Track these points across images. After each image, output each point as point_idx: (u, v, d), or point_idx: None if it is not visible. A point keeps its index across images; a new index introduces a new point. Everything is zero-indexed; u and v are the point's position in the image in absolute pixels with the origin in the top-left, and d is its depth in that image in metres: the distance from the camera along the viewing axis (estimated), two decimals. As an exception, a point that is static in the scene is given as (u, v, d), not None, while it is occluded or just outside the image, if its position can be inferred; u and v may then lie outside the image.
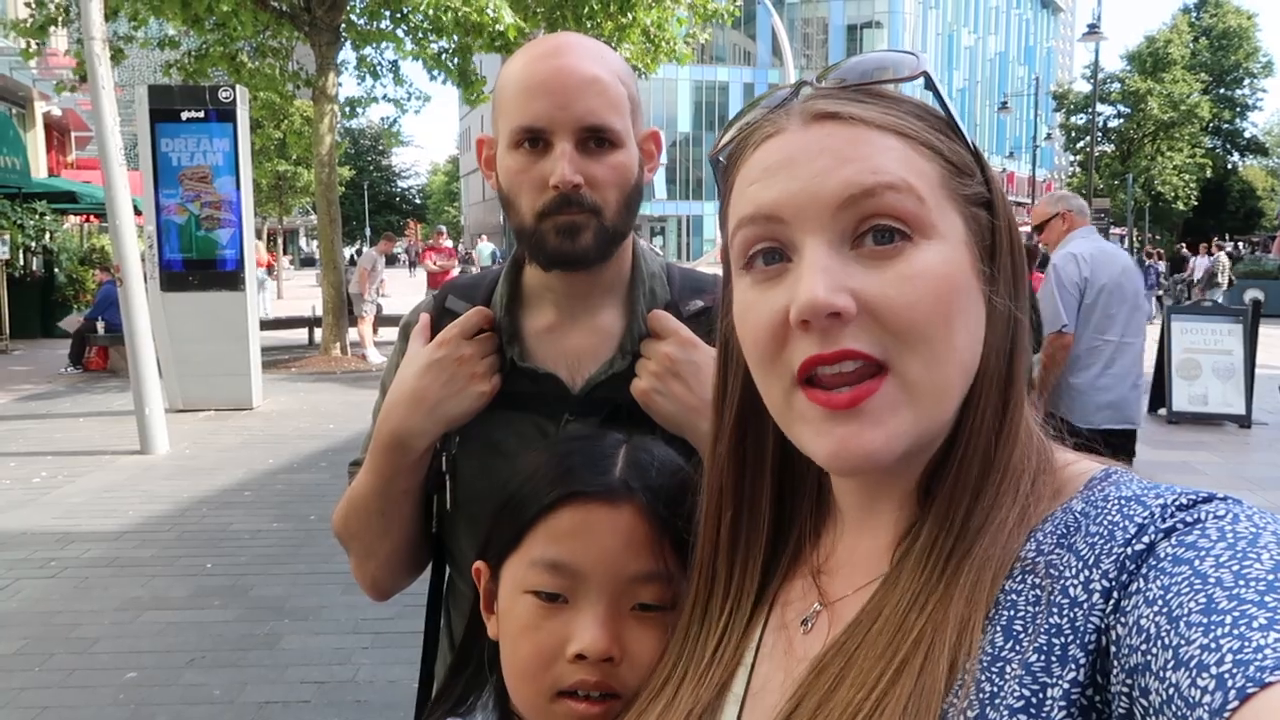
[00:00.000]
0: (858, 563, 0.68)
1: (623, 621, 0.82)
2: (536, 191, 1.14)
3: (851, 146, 0.61)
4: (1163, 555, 0.52)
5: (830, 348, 0.59)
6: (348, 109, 15.75)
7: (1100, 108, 43.32)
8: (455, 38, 13.01)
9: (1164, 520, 0.54)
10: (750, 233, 0.63)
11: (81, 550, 5.53)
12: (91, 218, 21.21)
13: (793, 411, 0.62)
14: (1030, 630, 0.55)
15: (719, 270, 0.78)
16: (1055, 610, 0.54)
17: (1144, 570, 0.52)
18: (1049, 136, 53.38)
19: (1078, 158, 53.36)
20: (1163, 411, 9.27)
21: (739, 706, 0.68)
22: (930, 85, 0.66)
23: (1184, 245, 34.67)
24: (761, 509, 0.73)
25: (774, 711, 0.62)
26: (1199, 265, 23.90)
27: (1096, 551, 0.55)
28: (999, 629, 0.56)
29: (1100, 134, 45.60)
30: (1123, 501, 0.57)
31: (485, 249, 27.13)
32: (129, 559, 5.42)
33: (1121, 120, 49.52)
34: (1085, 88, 47.65)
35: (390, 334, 12.91)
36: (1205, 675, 0.44)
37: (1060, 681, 0.52)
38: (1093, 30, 25.72)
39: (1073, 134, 50.26)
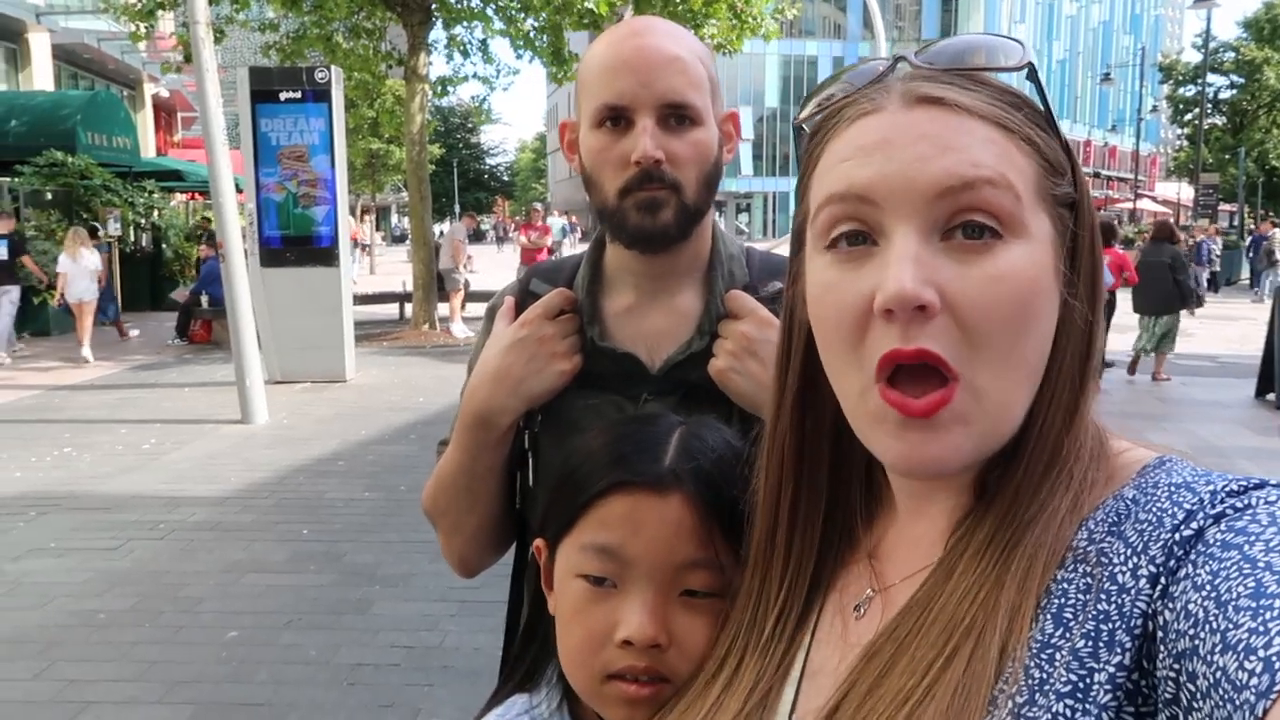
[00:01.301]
0: (910, 549, 0.68)
1: (670, 608, 0.83)
2: (619, 169, 1.16)
3: (953, 135, 0.59)
4: (1212, 541, 0.52)
5: (909, 344, 0.58)
6: (438, 88, 16.00)
7: (1211, 78, 41.23)
8: (544, 15, 13.09)
9: (1213, 506, 0.53)
10: (838, 210, 0.62)
11: (188, 514, 5.81)
12: (196, 195, 22.03)
13: (867, 408, 0.62)
14: (1080, 617, 0.55)
15: None
16: (1104, 597, 0.54)
17: (1192, 556, 0.52)
18: (1154, 109, 51.09)
19: (1185, 131, 51.00)
20: (1272, 396, 8.86)
21: (795, 688, 0.69)
22: (1033, 76, 0.64)
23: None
24: (820, 485, 0.73)
25: (827, 695, 0.63)
26: None
27: (1145, 538, 0.55)
28: (1049, 616, 0.56)
29: (1211, 105, 43.41)
30: (1173, 488, 0.57)
31: (556, 223, 27.18)
32: (231, 523, 5.67)
33: (1234, 91, 47.03)
34: (1195, 57, 45.42)
35: (476, 310, 13.12)
36: (1253, 658, 0.44)
37: (1107, 666, 0.52)
38: (1205, -4, 24.50)
39: (1180, 106, 47.97)
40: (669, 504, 0.84)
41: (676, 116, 1.15)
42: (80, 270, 12.16)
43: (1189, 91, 46.14)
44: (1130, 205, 44.28)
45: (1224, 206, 39.46)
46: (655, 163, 1.13)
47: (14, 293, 12.23)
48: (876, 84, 0.64)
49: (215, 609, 4.43)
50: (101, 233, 14.94)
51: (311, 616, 4.34)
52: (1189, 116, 46.11)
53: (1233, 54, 45.48)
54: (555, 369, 1.19)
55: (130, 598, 4.55)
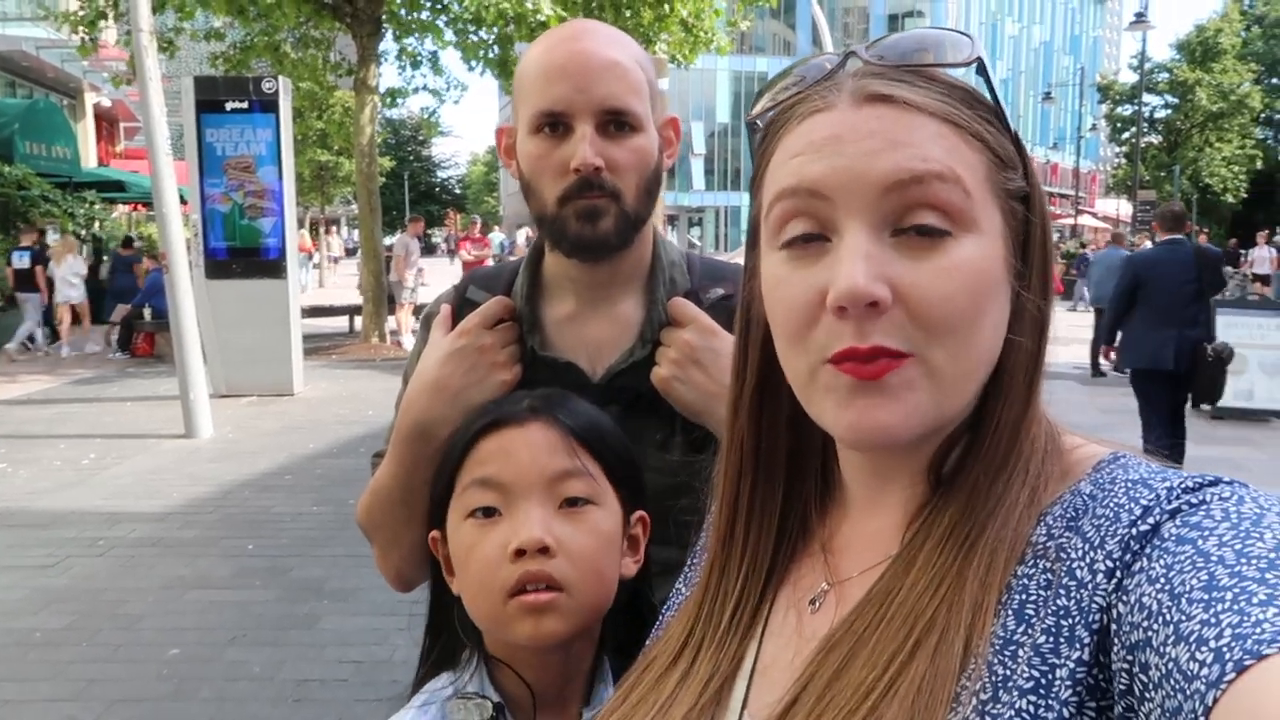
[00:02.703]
0: (865, 543, 0.68)
1: (552, 519, 0.92)
2: (557, 176, 1.15)
3: (903, 131, 0.60)
4: (1167, 535, 0.52)
5: (864, 341, 0.58)
6: (388, 99, 15.89)
7: (1147, 98, 42.44)
8: (496, 28, 13.07)
9: (1170, 502, 0.54)
10: (790, 206, 0.62)
11: (128, 530, 5.68)
12: (139, 206, 21.61)
13: (817, 383, 0.62)
14: (1040, 613, 0.55)
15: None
16: (1063, 592, 0.55)
17: (1148, 550, 0.52)
18: (1094, 127, 52.37)
19: (1123, 149, 52.34)
20: (1207, 407, 9.11)
21: (747, 683, 0.69)
22: (982, 71, 0.64)
23: (1234, 240, 33.86)
24: (777, 477, 0.73)
25: (781, 689, 0.63)
26: (1258, 257, 22.38)
27: (1103, 534, 0.55)
28: (1011, 612, 0.56)
29: (1147, 125, 44.64)
30: (1130, 484, 0.57)
31: (495, 237, 26.90)
32: (174, 539, 5.56)
33: (1169, 111, 48.45)
34: (1132, 78, 46.72)
35: (428, 323, 12.98)
36: (1204, 649, 0.45)
37: (1068, 661, 0.53)
38: (1140, 19, 25.23)
39: (1118, 125, 49.25)
40: (531, 429, 0.95)
41: (616, 123, 1.14)
42: (65, 276, 13.36)
43: (1126, 110, 47.46)
44: (1072, 220, 45.28)
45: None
46: (595, 170, 1.12)
47: (36, 299, 13.43)
48: (827, 80, 0.64)
49: (156, 626, 4.33)
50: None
51: (256, 632, 4.26)
52: (1126, 135, 47.43)
53: (1167, 75, 46.93)
54: (495, 379, 1.17)
55: (68, 615, 4.43)
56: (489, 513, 0.93)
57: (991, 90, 0.65)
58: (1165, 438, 6.13)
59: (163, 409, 9.03)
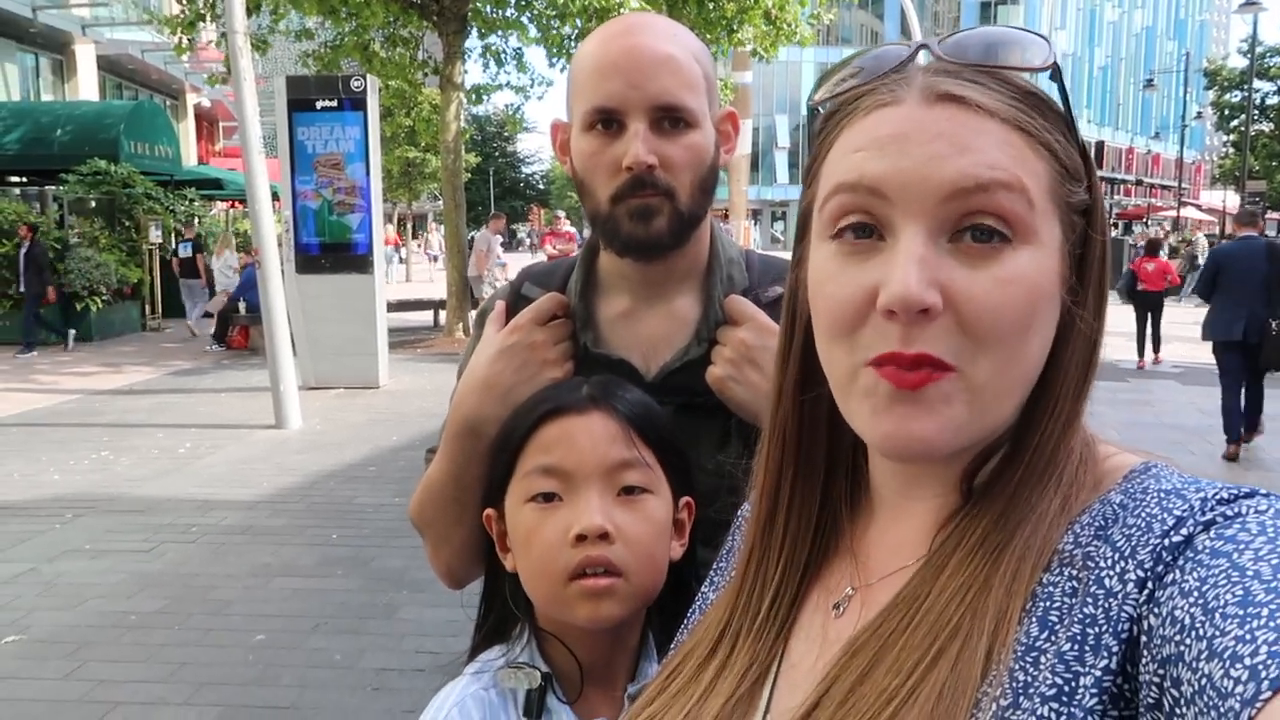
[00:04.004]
0: (891, 548, 0.67)
1: (611, 506, 0.95)
2: (610, 174, 1.12)
3: (970, 135, 0.58)
4: (1200, 548, 0.51)
5: (909, 348, 0.57)
6: (473, 96, 16.11)
7: (1258, 84, 40.44)
8: (580, 22, 13.14)
9: (1204, 513, 0.53)
10: (846, 200, 0.61)
11: (220, 518, 5.87)
12: (236, 204, 22.38)
13: (855, 385, 0.61)
14: (1065, 621, 0.54)
15: None
16: (1090, 601, 0.54)
17: (1181, 562, 0.52)
18: (1199, 115, 50.22)
19: (1231, 138, 50.06)
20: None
21: (772, 682, 0.68)
22: (1057, 77, 0.62)
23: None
24: (817, 470, 0.73)
25: (803, 692, 0.62)
26: None
27: (1134, 543, 0.54)
28: (1034, 619, 0.56)
29: (1257, 112, 42.58)
30: (1162, 494, 0.56)
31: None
32: (262, 527, 5.72)
33: (1281, 97, 46.19)
34: (1241, 63, 44.63)
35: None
36: (1239, 666, 0.44)
37: (1093, 670, 0.52)
38: (1251, 2, 24.09)
39: (1226, 112, 47.11)
40: (593, 419, 0.98)
41: (670, 119, 1.11)
42: (222, 268, 15.40)
43: (1235, 97, 45.31)
44: (1174, 213, 43.54)
45: (1272, 214, 38.65)
46: (648, 168, 1.10)
47: (197, 285, 15.31)
48: (896, 73, 0.62)
49: (243, 612, 4.45)
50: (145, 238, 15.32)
51: (338, 621, 4.35)
52: (1235, 123, 45.31)
53: (1279, 59, 44.63)
54: (546, 377, 1.15)
55: (161, 600, 4.59)
56: (549, 498, 0.96)
57: (1064, 98, 0.63)
58: (1235, 398, 7.47)
59: (255, 400, 9.32)
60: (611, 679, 1.00)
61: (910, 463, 0.65)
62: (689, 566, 1.04)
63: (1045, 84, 0.63)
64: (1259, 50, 36.81)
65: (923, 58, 0.63)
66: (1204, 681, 0.45)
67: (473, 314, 13.77)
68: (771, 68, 16.32)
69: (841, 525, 0.73)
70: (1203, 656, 0.46)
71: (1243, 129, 35.07)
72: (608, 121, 1.12)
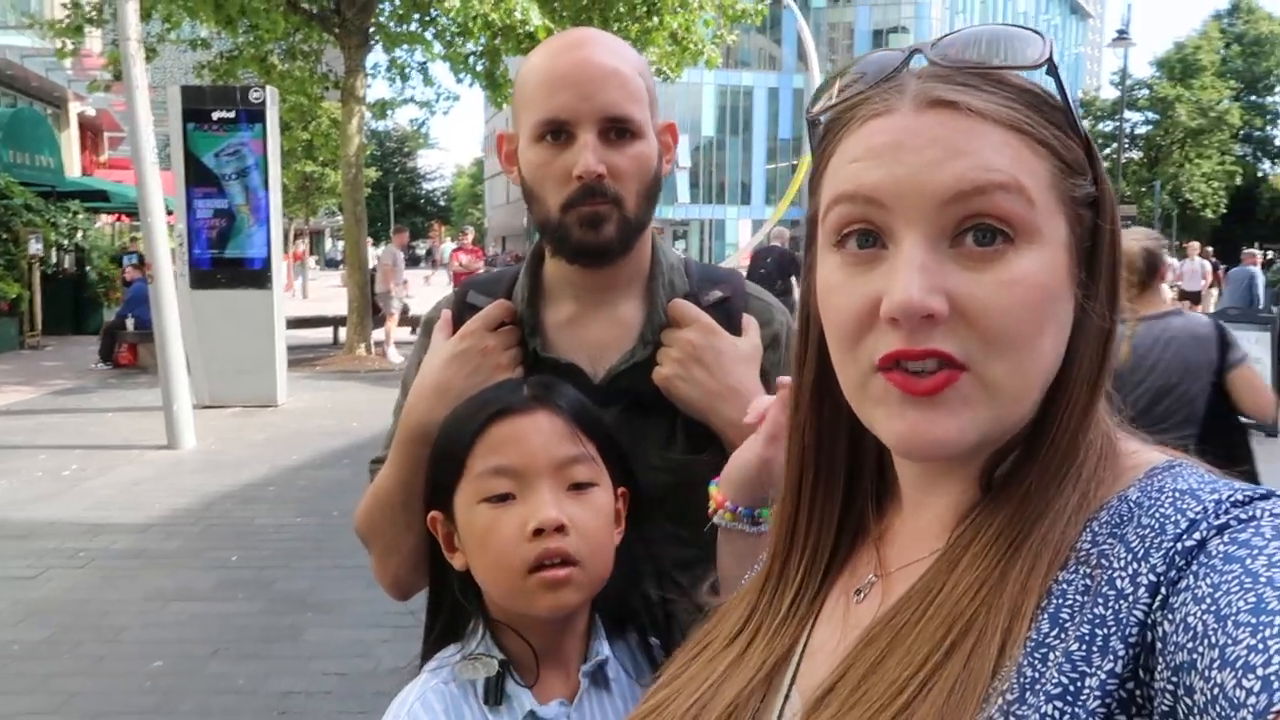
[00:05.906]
0: (913, 537, 0.68)
1: (564, 500, 0.99)
2: (560, 183, 1.16)
3: (965, 139, 0.58)
4: (1214, 552, 0.51)
5: (916, 345, 0.58)
6: (377, 110, 15.88)
7: (1128, 114, 42.93)
8: (483, 39, 13.10)
9: (1218, 516, 0.53)
10: (847, 211, 0.61)
11: (110, 541, 5.62)
12: (122, 217, 21.50)
13: (867, 393, 0.62)
14: (1076, 619, 0.54)
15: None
16: (1101, 601, 0.54)
17: (1194, 567, 0.51)
18: (1076, 143, 52.71)
19: (1104, 164, 52.79)
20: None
21: (797, 663, 0.70)
22: (1053, 71, 0.62)
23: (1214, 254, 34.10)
24: (838, 471, 0.74)
25: (824, 673, 0.63)
26: (1188, 270, 18.37)
27: (1146, 544, 0.54)
28: (1047, 616, 0.56)
29: (1128, 141, 45.16)
30: (1177, 494, 0.56)
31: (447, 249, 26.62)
32: (156, 551, 5.50)
33: (1150, 127, 49.06)
34: (1113, 94, 47.26)
35: (411, 336, 12.97)
36: (1251, 676, 0.43)
37: (1099, 671, 0.52)
38: (1122, 36, 25.57)
39: (1099, 140, 49.74)
40: (539, 418, 1.01)
41: (617, 130, 1.16)
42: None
43: (1107, 127, 47.93)
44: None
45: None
46: (597, 177, 1.14)
47: None
48: (889, 81, 0.63)
49: (139, 638, 4.28)
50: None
51: (240, 645, 4.22)
52: (1108, 151, 47.84)
53: (1148, 91, 47.49)
54: (497, 381, 1.18)
55: (48, 628, 4.37)
56: (504, 498, 0.99)
57: (1062, 91, 0.63)
58: None
59: (145, 420, 8.95)
60: (564, 661, 1.03)
61: (928, 462, 0.66)
62: (624, 551, 1.09)
63: (1044, 80, 0.64)
64: (1128, 83, 39.03)
65: (916, 63, 0.64)
66: (1216, 691, 0.45)
67: (375, 332, 13.59)
68: (674, 89, 16.53)
69: (868, 518, 0.74)
70: (1215, 665, 0.46)
71: (1115, 156, 37.04)
72: (557, 133, 1.16)
